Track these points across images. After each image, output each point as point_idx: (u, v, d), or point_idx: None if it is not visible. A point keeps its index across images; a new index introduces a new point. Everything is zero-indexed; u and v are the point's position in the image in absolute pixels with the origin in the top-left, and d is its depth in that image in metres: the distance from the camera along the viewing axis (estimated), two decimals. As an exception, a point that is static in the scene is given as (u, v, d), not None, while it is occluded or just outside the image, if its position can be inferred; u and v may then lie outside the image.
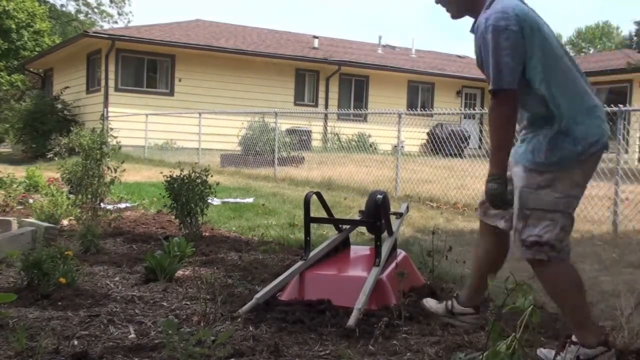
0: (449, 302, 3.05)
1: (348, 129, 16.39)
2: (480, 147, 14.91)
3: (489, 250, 2.92)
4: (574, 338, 2.58)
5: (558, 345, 2.64)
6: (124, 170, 6.47)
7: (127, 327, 3.00)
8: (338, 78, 21.37)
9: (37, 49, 29.01)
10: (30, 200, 7.47)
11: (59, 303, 3.35)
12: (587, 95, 2.57)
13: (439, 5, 2.78)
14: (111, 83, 18.12)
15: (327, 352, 2.72)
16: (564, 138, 2.49)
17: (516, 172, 2.59)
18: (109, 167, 6.31)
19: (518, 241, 2.57)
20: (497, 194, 2.53)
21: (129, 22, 41.22)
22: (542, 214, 2.51)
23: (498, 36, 2.45)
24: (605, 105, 4.26)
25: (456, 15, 2.77)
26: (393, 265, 3.60)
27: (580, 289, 2.60)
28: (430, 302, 3.14)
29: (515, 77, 2.46)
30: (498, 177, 2.52)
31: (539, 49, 2.53)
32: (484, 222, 2.90)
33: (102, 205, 6.49)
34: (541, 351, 2.69)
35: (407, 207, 4.33)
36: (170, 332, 2.44)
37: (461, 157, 11.03)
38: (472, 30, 2.67)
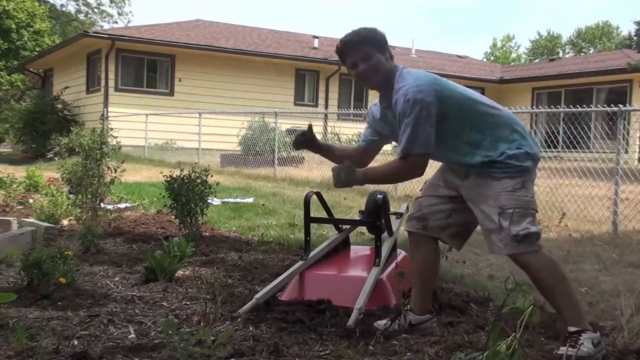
0: (402, 318, 3.06)
1: (348, 129, 16.37)
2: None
3: (429, 257, 3.10)
4: (570, 329, 2.69)
5: (562, 340, 2.74)
6: (124, 170, 6.47)
7: (127, 327, 3.00)
8: (338, 78, 21.37)
9: (37, 49, 29.01)
10: (30, 200, 7.47)
11: (59, 303, 3.35)
12: (513, 120, 2.98)
13: (359, 79, 3.05)
14: (111, 83, 18.12)
15: (327, 352, 2.72)
16: (523, 153, 2.83)
17: (481, 183, 2.85)
18: (109, 167, 6.31)
19: (508, 239, 2.75)
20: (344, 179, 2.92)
21: (129, 22, 41.27)
22: (523, 211, 2.77)
23: (416, 108, 2.74)
24: (605, 105, 4.46)
25: (375, 87, 3.03)
26: (393, 265, 3.60)
27: (560, 272, 2.82)
28: (380, 324, 3.05)
29: (430, 142, 2.78)
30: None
31: (456, 107, 2.85)
32: (421, 234, 3.07)
33: (102, 205, 6.49)
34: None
35: (407, 207, 4.33)
36: (170, 332, 2.44)
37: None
38: (384, 105, 3.00)
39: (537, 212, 2.86)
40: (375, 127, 3.15)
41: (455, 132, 2.86)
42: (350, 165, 2.95)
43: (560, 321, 2.88)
